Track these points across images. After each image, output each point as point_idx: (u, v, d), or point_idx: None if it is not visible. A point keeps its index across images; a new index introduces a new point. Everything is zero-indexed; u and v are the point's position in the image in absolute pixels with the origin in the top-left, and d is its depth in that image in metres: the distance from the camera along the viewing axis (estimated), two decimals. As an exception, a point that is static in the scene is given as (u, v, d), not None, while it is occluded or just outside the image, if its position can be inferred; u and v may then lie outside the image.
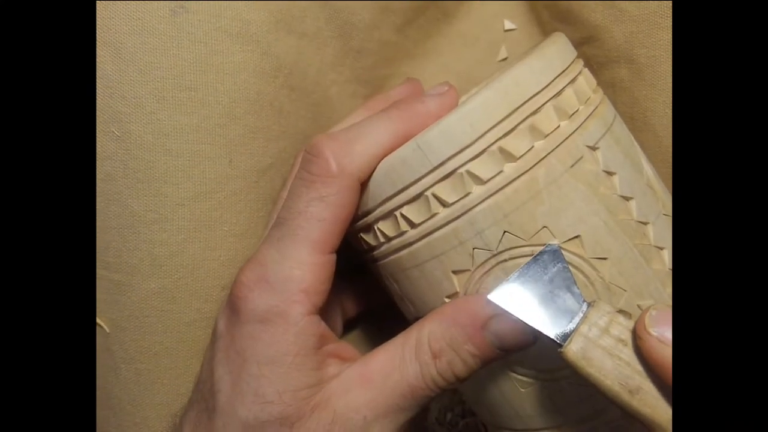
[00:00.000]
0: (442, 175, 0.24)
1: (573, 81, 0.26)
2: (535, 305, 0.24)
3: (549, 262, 0.24)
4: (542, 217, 0.24)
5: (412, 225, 0.25)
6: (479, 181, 0.24)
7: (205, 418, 0.26)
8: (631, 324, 0.23)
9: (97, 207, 0.29)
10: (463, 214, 0.24)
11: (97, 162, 0.28)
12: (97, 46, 0.27)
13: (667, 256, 0.26)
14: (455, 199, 0.24)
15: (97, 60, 0.27)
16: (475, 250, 0.25)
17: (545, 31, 0.38)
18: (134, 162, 0.28)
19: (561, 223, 0.24)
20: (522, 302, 0.24)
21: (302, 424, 0.25)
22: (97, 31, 0.27)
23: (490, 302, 0.24)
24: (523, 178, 0.24)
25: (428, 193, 0.25)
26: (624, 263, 0.25)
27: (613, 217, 0.25)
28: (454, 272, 0.25)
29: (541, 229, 0.24)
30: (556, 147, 0.25)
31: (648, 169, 0.28)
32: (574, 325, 0.23)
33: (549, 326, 0.23)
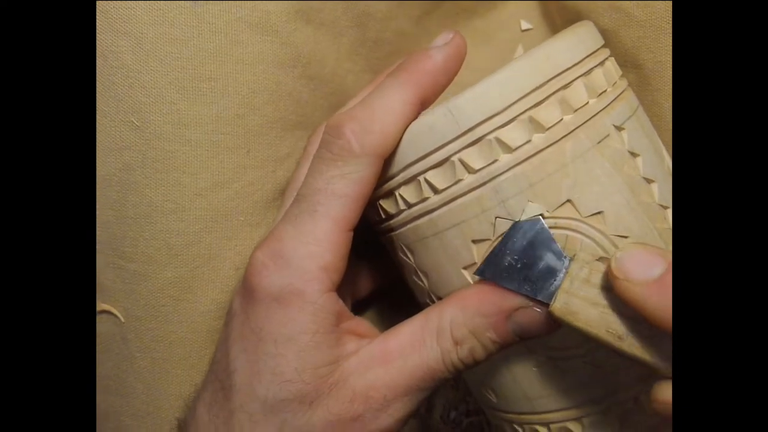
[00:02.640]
0: (470, 141, 0.24)
1: (602, 63, 0.26)
2: (520, 272, 0.23)
3: (528, 228, 0.24)
4: (567, 190, 0.24)
5: (435, 191, 0.25)
6: (507, 148, 0.24)
7: (221, 398, 0.25)
8: None
9: (114, 197, 0.28)
10: (488, 182, 0.24)
11: (115, 152, 0.27)
12: (116, 36, 0.26)
13: None
14: (482, 166, 0.24)
15: (116, 50, 0.26)
16: (497, 219, 0.24)
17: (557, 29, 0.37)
18: (153, 152, 0.27)
19: (585, 197, 0.24)
20: (507, 271, 0.24)
21: (321, 402, 0.24)
22: (117, 22, 0.26)
23: (513, 295, 0.24)
24: (550, 149, 0.24)
25: (455, 158, 0.24)
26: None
27: (636, 197, 0.25)
28: (474, 241, 0.25)
29: (564, 203, 0.24)
30: (585, 122, 0.24)
31: (667, 158, 0.27)
32: (559, 282, 0.23)
33: (537, 289, 0.23)
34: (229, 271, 0.29)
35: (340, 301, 0.26)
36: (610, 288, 0.22)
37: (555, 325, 0.24)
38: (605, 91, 0.25)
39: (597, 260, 0.23)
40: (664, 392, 0.21)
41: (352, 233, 0.25)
